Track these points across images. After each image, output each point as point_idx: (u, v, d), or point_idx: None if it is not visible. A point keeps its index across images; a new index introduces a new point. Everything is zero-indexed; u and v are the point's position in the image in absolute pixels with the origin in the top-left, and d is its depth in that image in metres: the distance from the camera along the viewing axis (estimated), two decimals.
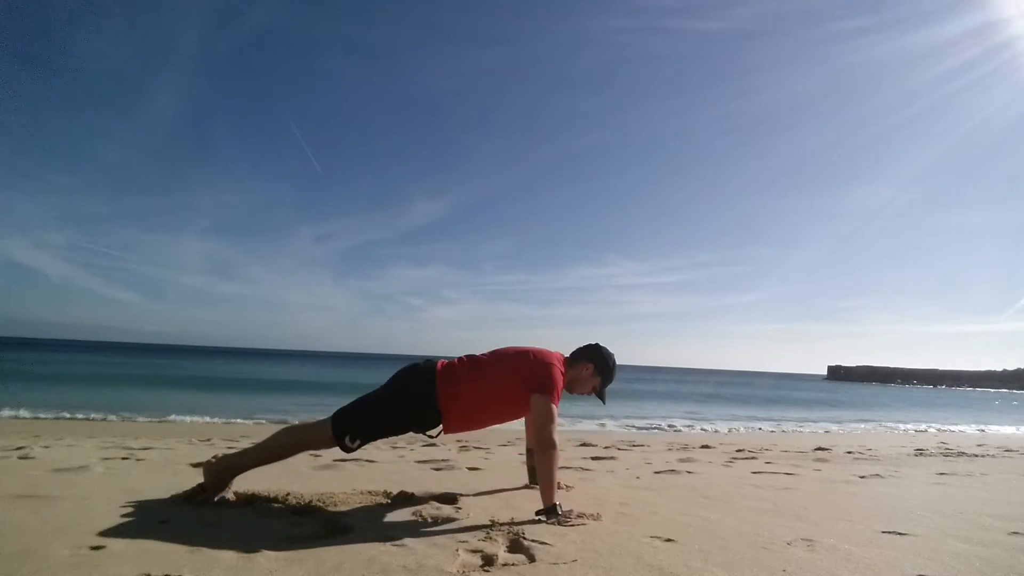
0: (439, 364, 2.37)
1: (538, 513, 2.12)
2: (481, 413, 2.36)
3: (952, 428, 13.78)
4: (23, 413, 8.98)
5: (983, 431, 12.86)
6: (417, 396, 2.31)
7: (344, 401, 2.38)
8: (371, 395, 2.37)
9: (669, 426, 11.47)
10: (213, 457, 2.34)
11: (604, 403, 2.60)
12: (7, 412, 8.92)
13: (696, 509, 2.47)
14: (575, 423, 10.42)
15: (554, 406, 2.25)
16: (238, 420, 9.66)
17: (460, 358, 2.42)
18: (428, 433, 2.36)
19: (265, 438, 2.40)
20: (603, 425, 10.77)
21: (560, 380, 2.36)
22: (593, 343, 2.60)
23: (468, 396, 2.30)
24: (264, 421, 9.60)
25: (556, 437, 2.18)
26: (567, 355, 2.54)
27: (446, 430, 2.33)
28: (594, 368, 2.52)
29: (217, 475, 2.26)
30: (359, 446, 2.30)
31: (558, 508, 2.10)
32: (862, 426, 13.79)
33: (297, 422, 2.89)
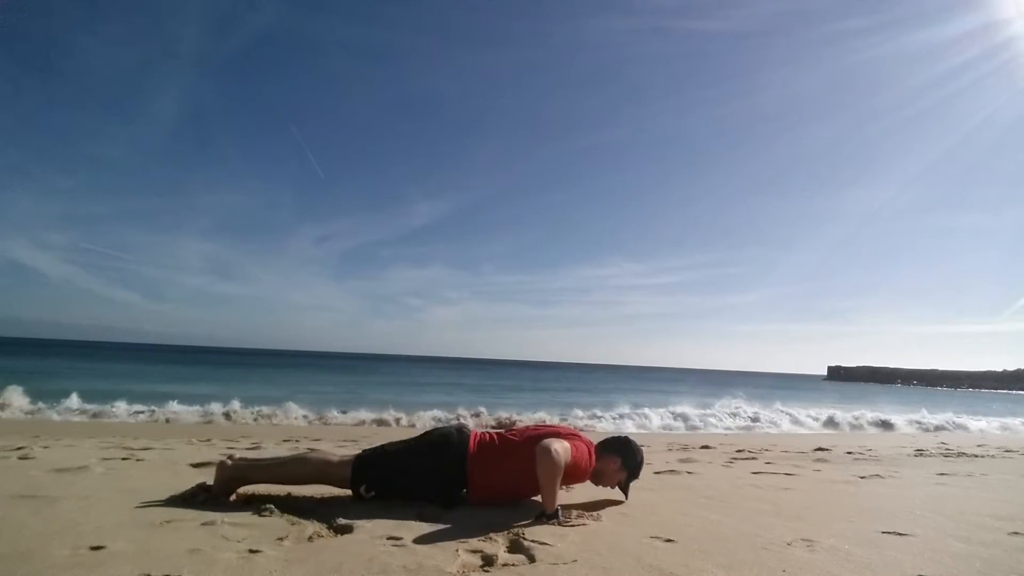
0: (472, 442, 2.35)
1: (538, 517, 2.12)
2: (507, 488, 2.36)
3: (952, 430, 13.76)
4: (23, 413, 8.97)
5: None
6: (446, 470, 2.31)
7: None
8: (398, 451, 2.37)
9: (666, 429, 11.38)
10: (229, 458, 2.34)
11: (627, 498, 2.56)
12: (7, 412, 8.92)
13: (696, 509, 2.47)
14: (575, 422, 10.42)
15: (566, 444, 2.23)
16: (237, 420, 9.65)
17: (492, 435, 2.42)
18: (446, 503, 2.32)
19: (285, 456, 2.42)
20: (596, 424, 10.76)
21: (582, 454, 2.33)
22: (623, 436, 2.63)
23: (497, 474, 2.32)
24: (264, 421, 9.60)
25: (560, 450, 2.17)
26: (596, 444, 2.52)
27: (471, 499, 2.34)
28: (621, 463, 2.51)
29: (228, 479, 2.28)
30: (372, 498, 2.31)
31: (559, 512, 2.11)
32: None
33: (320, 450, 2.70)
